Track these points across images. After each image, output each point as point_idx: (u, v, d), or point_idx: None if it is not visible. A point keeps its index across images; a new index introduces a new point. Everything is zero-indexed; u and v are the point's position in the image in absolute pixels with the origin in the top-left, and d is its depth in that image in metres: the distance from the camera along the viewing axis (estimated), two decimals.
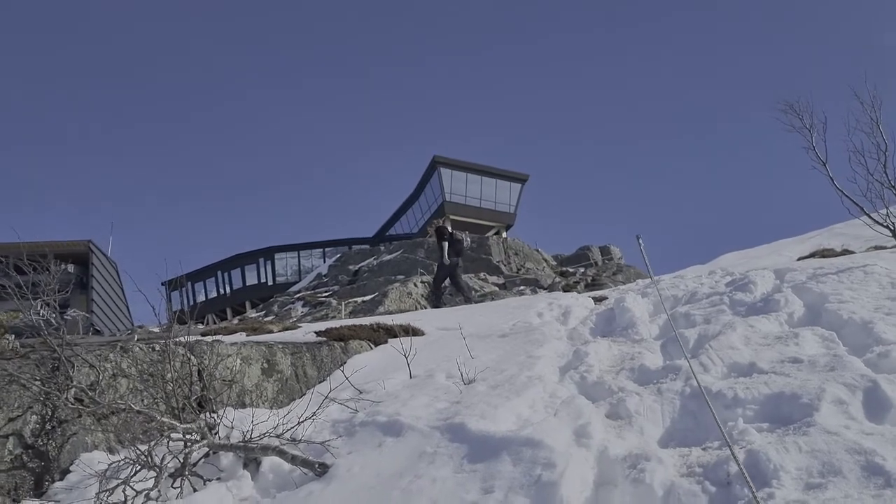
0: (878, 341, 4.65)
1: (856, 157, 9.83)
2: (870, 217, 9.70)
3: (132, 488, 3.37)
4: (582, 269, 32.75)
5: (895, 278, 6.60)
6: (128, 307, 27.77)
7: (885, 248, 11.98)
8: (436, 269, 14.01)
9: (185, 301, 48.98)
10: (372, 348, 7.09)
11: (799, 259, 11.45)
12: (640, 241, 7.77)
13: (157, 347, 4.67)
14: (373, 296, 21.98)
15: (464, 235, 13.97)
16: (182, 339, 4.84)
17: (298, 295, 34.95)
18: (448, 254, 13.34)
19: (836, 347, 4.71)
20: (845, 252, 11.12)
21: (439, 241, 13.54)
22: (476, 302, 13.77)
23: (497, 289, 24.48)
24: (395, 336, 7.20)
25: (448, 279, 13.52)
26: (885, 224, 9.73)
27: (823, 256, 10.74)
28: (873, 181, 9.71)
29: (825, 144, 10.16)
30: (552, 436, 3.54)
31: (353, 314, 18.77)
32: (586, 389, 4.83)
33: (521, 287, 24.70)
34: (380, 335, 7.37)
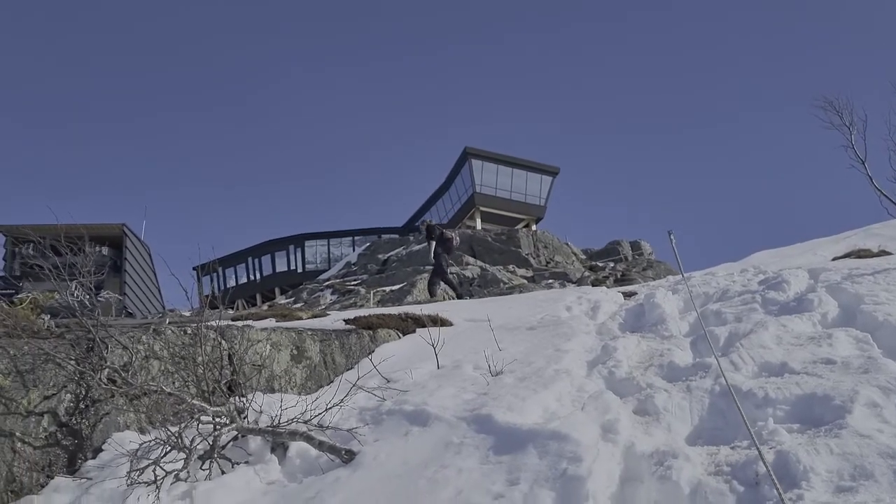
0: None
1: None
2: None
3: (162, 468, 3.43)
4: (611, 264, 32.48)
5: None
6: (159, 290, 28.19)
7: None
8: (433, 268, 14.72)
9: (217, 286, 49.63)
10: (400, 337, 7.13)
11: (834, 259, 11.22)
12: (672, 236, 7.70)
13: (189, 331, 4.74)
14: (401, 285, 22.04)
15: (454, 234, 14.54)
16: (213, 323, 4.91)
17: (327, 283, 35.17)
18: (437, 250, 14.21)
19: (870, 349, 4.61)
20: (882, 253, 10.86)
21: (428, 239, 14.51)
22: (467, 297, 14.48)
23: (525, 282, 24.41)
24: (423, 326, 7.22)
25: (442, 269, 14.26)
26: None
27: (859, 257, 10.51)
28: None
29: (864, 143, 9.91)
30: (579, 430, 3.53)
31: (381, 303, 18.85)
32: (614, 385, 4.80)
33: (550, 280, 24.57)
34: (408, 325, 7.40)
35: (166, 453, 3.58)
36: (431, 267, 15.28)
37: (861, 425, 3.23)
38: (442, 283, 14.46)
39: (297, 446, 3.98)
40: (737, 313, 6.35)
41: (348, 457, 3.79)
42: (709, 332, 5.49)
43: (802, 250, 14.97)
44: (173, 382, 4.39)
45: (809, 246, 15.71)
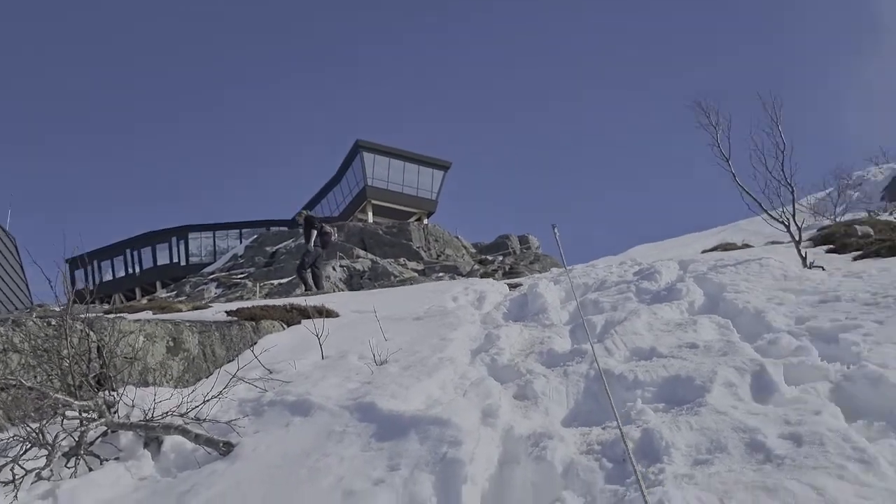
0: (769, 329, 4.93)
1: (756, 155, 10.31)
2: (767, 213, 10.22)
3: (21, 467, 3.23)
4: (500, 258, 33.16)
5: (787, 271, 6.98)
6: (27, 285, 26.39)
7: (780, 243, 12.68)
8: (301, 255, 14.47)
9: (91, 280, 46.90)
10: (284, 328, 6.99)
11: (703, 252, 11.98)
12: (556, 230, 7.96)
13: (53, 322, 4.47)
14: (290, 278, 21.65)
15: (333, 229, 14.42)
16: (81, 315, 4.65)
17: (213, 276, 34.09)
18: (315, 242, 13.94)
19: (730, 334, 4.95)
20: (745, 246, 11.70)
21: (308, 229, 14.10)
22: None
23: (416, 274, 24.55)
24: (309, 317, 7.12)
25: (312, 265, 14.06)
26: (780, 220, 10.28)
27: (725, 250, 11.26)
28: (771, 179, 10.21)
29: (729, 142, 10.63)
30: (460, 415, 3.59)
31: (269, 296, 18.44)
32: (496, 371, 4.92)
33: (441, 273, 24.81)
34: (293, 316, 7.27)
35: (26, 451, 3.37)
36: (324, 260, 15.00)
37: (718, 403, 3.47)
38: (311, 275, 14.01)
39: (171, 440, 3.83)
40: (613, 302, 6.66)
41: (226, 449, 3.69)
42: (586, 320, 5.72)
43: (678, 244, 15.88)
44: (35, 377, 4.12)
45: (685, 240, 16.70)
